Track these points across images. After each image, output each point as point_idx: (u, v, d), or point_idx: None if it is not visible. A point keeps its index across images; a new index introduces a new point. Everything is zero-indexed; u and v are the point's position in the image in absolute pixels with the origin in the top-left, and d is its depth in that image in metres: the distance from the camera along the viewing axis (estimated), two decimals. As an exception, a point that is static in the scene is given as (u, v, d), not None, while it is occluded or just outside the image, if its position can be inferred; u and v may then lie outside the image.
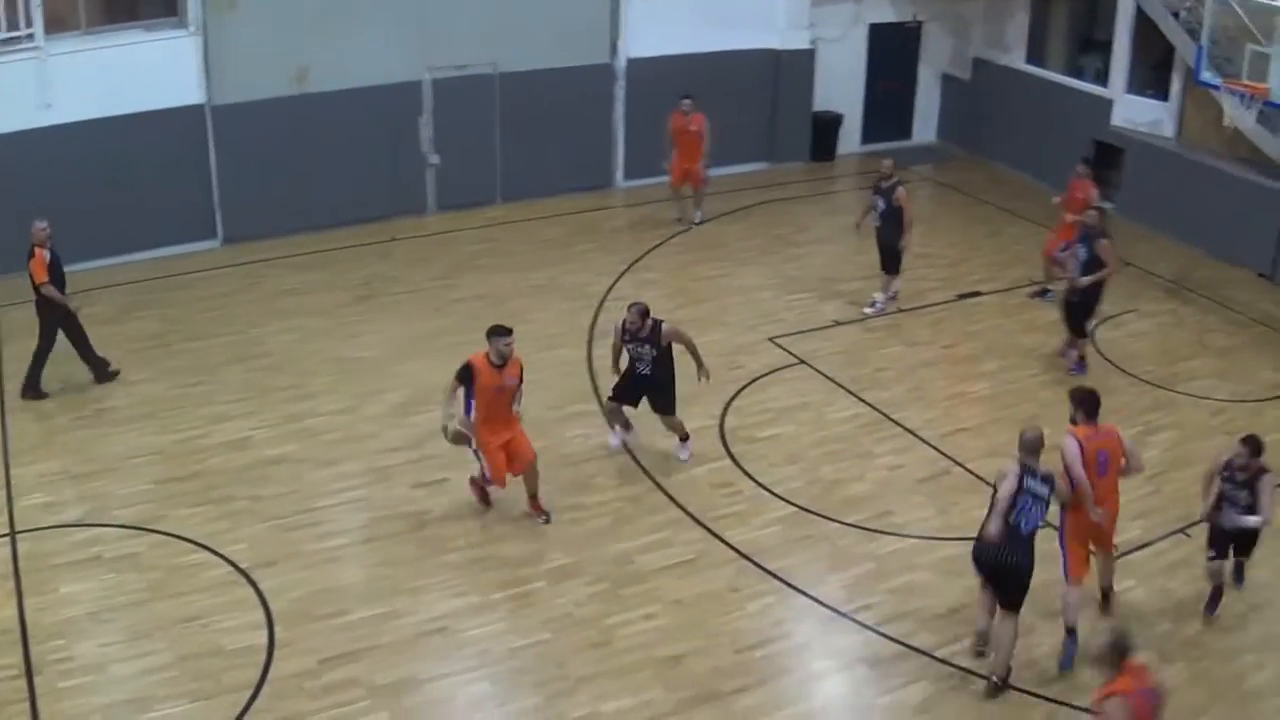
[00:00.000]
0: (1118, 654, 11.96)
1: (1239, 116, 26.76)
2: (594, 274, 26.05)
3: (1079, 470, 15.39)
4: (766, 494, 18.44)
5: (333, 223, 26.75)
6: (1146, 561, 17.65)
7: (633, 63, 30.46)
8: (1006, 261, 26.59)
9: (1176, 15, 28.46)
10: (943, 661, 15.51)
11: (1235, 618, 16.60)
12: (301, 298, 24.07)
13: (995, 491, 15.02)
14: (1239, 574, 16.92)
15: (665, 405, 18.90)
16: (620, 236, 28.27)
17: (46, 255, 20.00)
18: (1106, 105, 31.28)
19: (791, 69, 32.87)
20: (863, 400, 21.33)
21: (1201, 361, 23.35)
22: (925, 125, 36.53)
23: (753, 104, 32.53)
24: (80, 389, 20.49)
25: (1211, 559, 16.30)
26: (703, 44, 30.97)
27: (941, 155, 35.53)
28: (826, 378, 22.13)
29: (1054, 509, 15.30)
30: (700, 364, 18.66)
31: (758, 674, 15.14)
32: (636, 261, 26.87)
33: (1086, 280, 22.05)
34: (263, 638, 15.11)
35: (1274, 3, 25.27)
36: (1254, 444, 15.91)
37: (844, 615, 16.31)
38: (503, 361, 16.67)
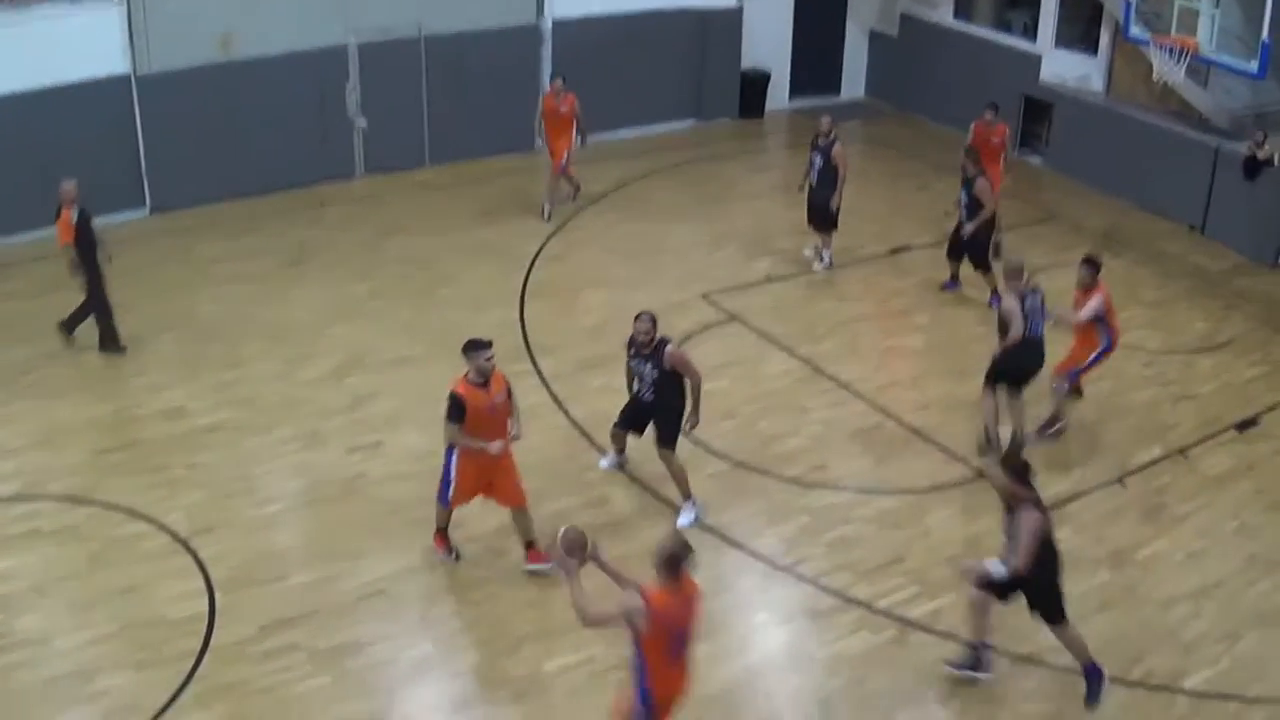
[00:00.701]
0: (674, 563, 11.82)
1: (1168, 71, 26.85)
2: (524, 235, 26.02)
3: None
4: (702, 450, 18.46)
5: (261, 189, 26.61)
6: (1082, 511, 17.82)
7: (559, 24, 30.29)
8: (937, 216, 26.66)
9: (1104, -31, 28.64)
10: (882, 613, 15.64)
11: (1174, 566, 16.82)
12: (232, 264, 23.92)
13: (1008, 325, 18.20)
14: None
15: (666, 436, 17.01)
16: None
17: (73, 215, 19.96)
18: (1035, 60, 31.43)
19: (719, 27, 32.82)
20: (796, 355, 21.41)
21: (1132, 313, 23.46)
22: (854, 82, 36.57)
23: (680, 62, 32.52)
24: (8, 364, 20.33)
25: None
26: (630, 3, 30.99)
27: (871, 111, 35.58)
28: (759, 333, 22.21)
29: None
30: (696, 407, 16.70)
31: (698, 629, 15.19)
32: (566, 222, 26.86)
33: (971, 227, 22.90)
34: (203, 605, 15.08)
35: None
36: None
37: (782, 569, 16.42)
38: (484, 379, 15.43)
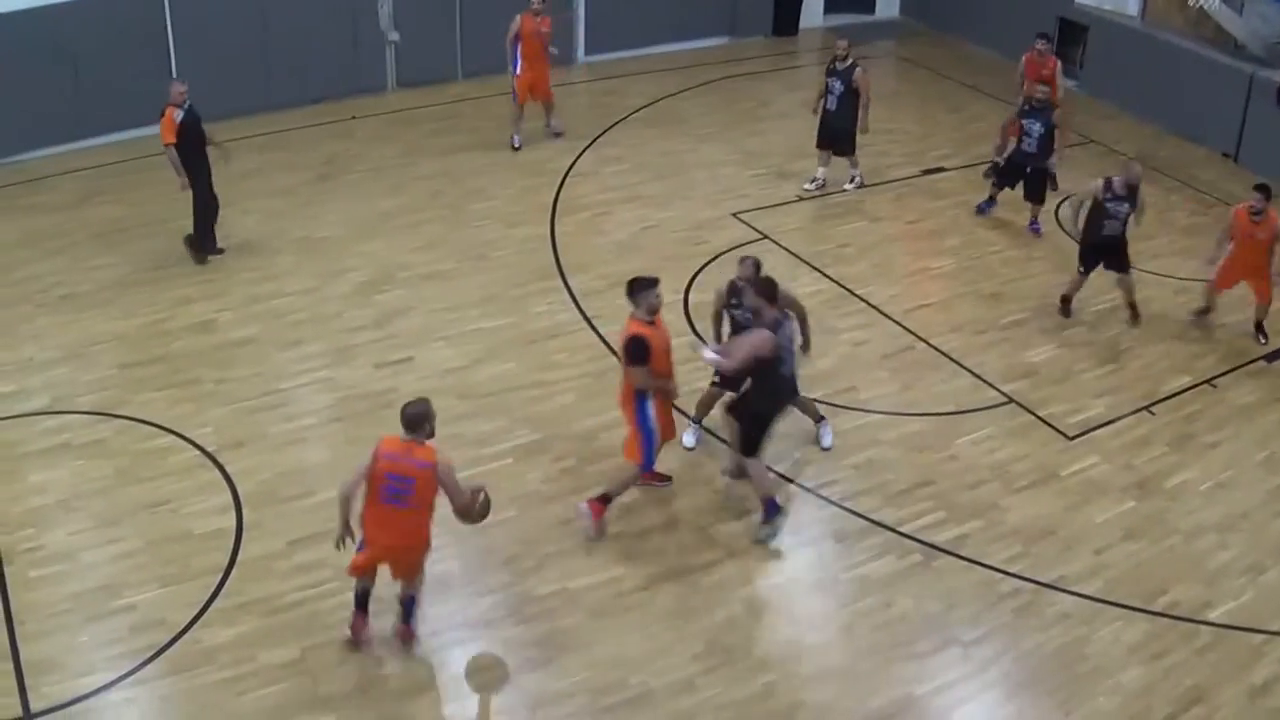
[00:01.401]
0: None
1: (1204, -4, 26.69)
2: (556, 150, 25.96)
3: None
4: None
5: (292, 102, 26.52)
6: (1110, 438, 17.80)
7: (594, -67, 30.17)
8: (969, 138, 26.57)
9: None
10: (907, 536, 15.67)
11: (1201, 496, 16.81)
12: (262, 178, 23.87)
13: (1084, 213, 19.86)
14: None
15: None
16: (582, 113, 28.09)
17: (178, 115, 20.00)
18: (1072, -18, 31.09)
19: (753, -59, 32.58)
20: (826, 275, 21.35)
21: (1165, 240, 23.41)
22: (889, 0, 36.30)
23: (715, -22, 32.27)
24: (37, 277, 20.35)
25: None
26: (665, -82, 30.70)
27: (905, 30, 35.35)
28: (790, 253, 22.14)
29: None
30: (806, 340, 16.57)
31: (724, 549, 15.25)
32: (598, 137, 26.77)
33: (1054, 161, 22.77)
34: (231, 520, 15.17)
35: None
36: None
37: (809, 491, 16.43)
38: (653, 317, 14.93)
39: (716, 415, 16.63)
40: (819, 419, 17.29)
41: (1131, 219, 20.06)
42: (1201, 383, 19.21)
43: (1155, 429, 18.07)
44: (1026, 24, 29.60)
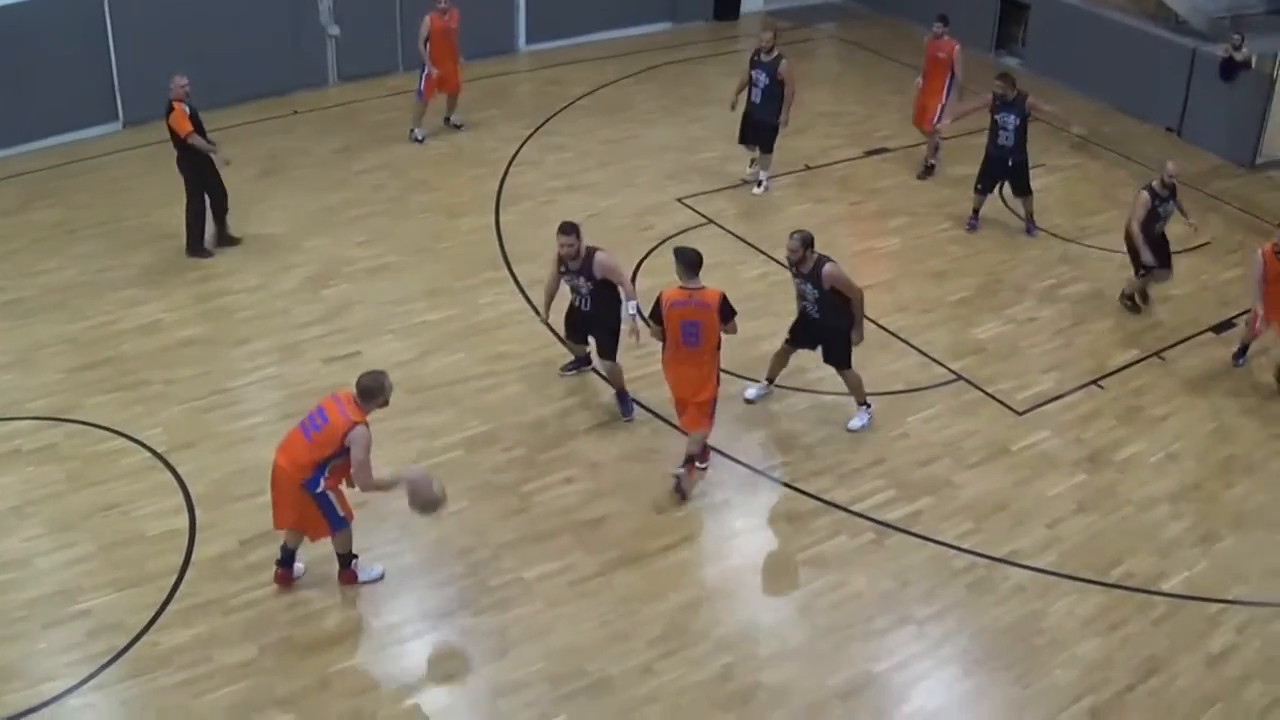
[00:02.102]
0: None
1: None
2: (499, 140, 25.92)
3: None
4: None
5: (234, 98, 26.39)
6: (1059, 413, 17.92)
7: (532, -77, 30.12)
8: (912, 118, 26.61)
9: None
10: (860, 515, 15.74)
11: (1152, 468, 16.95)
12: (206, 176, 23.76)
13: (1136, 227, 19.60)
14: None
15: (838, 357, 17.20)
16: (525, 101, 28.10)
17: (185, 108, 20.02)
18: (1012, -40, 31.19)
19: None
20: (773, 259, 21.35)
21: (1110, 215, 23.51)
22: (830, -18, 36.35)
23: (655, -37, 32.28)
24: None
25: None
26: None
27: (847, 13, 35.39)
28: (736, 237, 22.18)
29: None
30: (857, 324, 16.87)
31: (678, 533, 15.28)
32: (542, 125, 26.75)
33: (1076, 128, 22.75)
34: (184, 521, 15.08)
35: None
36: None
37: (761, 473, 16.51)
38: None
39: (667, 397, 16.61)
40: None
41: (1180, 216, 20.32)
42: (1149, 355, 19.35)
43: (1104, 402, 18.19)
44: (968, 4, 29.79)
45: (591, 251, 16.20)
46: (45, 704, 12.62)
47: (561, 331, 17.71)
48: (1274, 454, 17.18)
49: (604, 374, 17.42)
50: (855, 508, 15.88)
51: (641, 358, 17.18)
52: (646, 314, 15.58)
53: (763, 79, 23.16)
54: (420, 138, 25.86)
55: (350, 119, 26.73)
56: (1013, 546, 15.29)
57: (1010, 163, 22.57)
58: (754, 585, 14.88)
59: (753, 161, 24.37)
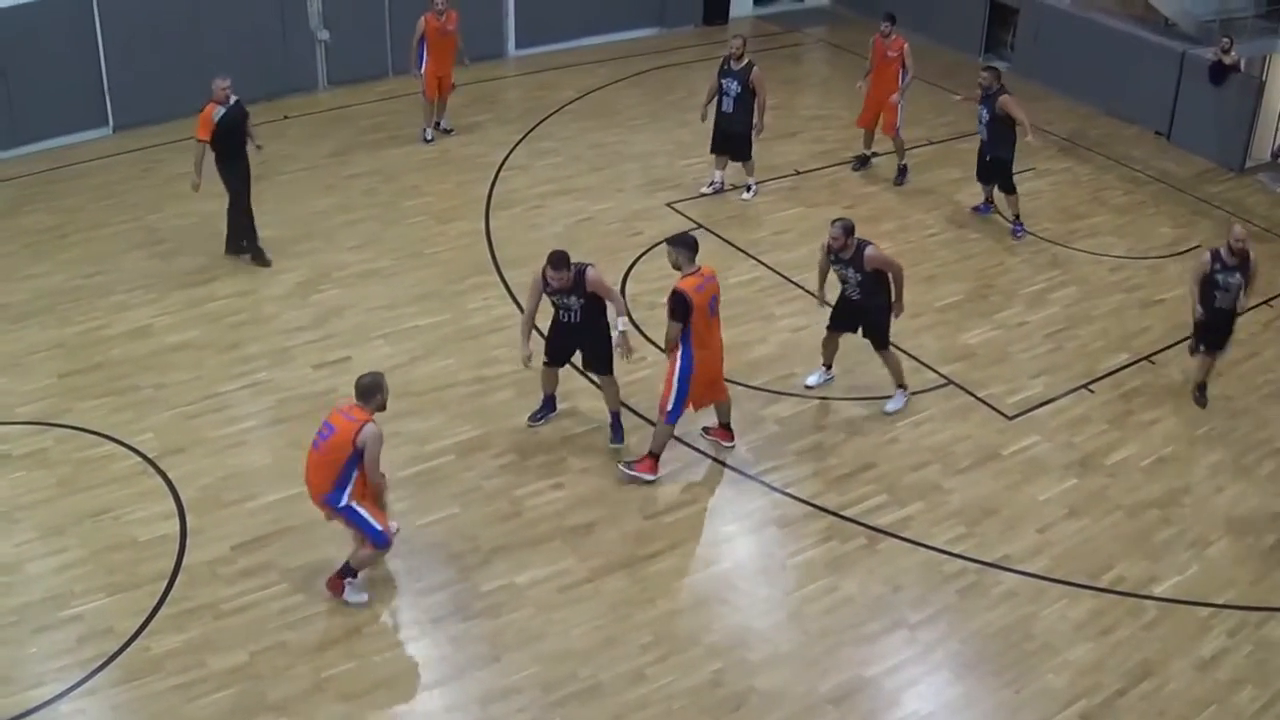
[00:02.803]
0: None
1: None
2: (489, 145, 25.91)
3: None
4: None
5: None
6: (1050, 417, 17.94)
7: (521, -73, 30.13)
8: (860, 118, 26.51)
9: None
10: (851, 520, 15.75)
11: (1142, 472, 16.99)
12: (197, 181, 23.75)
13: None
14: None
15: (878, 337, 17.60)
16: (514, 106, 28.10)
17: (217, 113, 19.98)
18: (1001, -37, 31.23)
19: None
20: (762, 263, 21.40)
21: (1099, 219, 23.64)
22: (819, -14, 36.40)
23: (644, -32, 32.31)
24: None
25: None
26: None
27: (835, 17, 35.44)
28: (725, 241, 22.19)
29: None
30: (899, 296, 17.34)
31: (668, 539, 15.29)
32: (531, 130, 26.74)
33: (1030, 139, 22.55)
34: (174, 527, 15.05)
35: None
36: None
37: (751, 478, 16.51)
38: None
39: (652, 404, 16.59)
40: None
41: (1243, 292, 18.11)
42: (1139, 359, 19.37)
43: (1094, 407, 18.22)
44: (956, 7, 29.87)
45: (581, 270, 15.94)
46: (36, 709, 12.60)
47: (541, 359, 17.08)
48: (1264, 458, 17.22)
49: (601, 389, 17.20)
50: (846, 513, 15.89)
51: (632, 364, 17.12)
52: (673, 313, 15.47)
53: (734, 87, 23.01)
54: (430, 138, 25.94)
55: (340, 124, 26.72)
56: (1004, 551, 15.31)
57: (987, 157, 22.78)
58: (745, 590, 14.83)
59: (717, 174, 24.25)
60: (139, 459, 16.19)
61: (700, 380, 15.84)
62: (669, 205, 23.43)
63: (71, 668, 13.06)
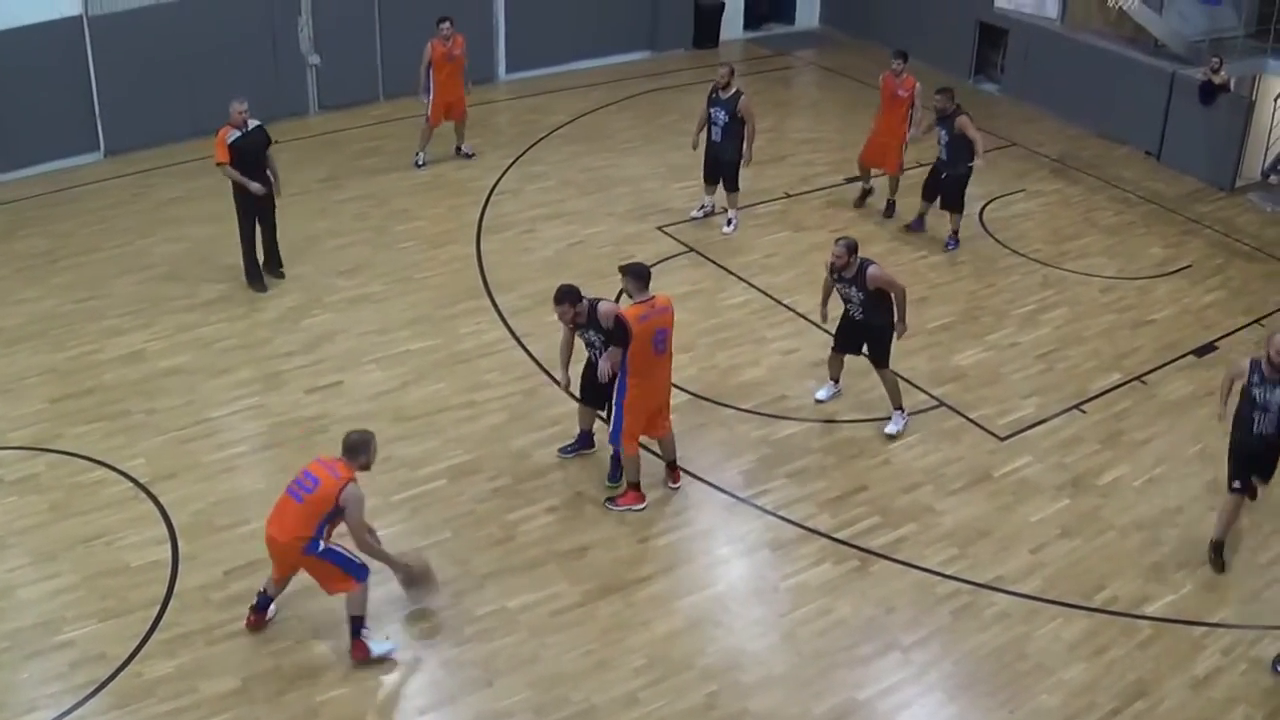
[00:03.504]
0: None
1: (1124, -2, 26.97)
2: (481, 169, 25.93)
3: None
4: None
5: (215, 129, 26.31)
6: (1041, 438, 17.94)
7: (512, -48, 30.19)
8: (863, 154, 26.51)
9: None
10: (844, 542, 15.74)
11: (1134, 492, 17.00)
12: (188, 205, 23.67)
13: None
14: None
15: (879, 355, 17.71)
16: (504, 130, 28.11)
17: (231, 135, 20.01)
18: (990, -13, 31.34)
19: (672, -44, 32.69)
20: (753, 286, 21.43)
21: (1090, 240, 23.68)
22: (808, 10, 36.58)
23: (635, -7, 32.43)
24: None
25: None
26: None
27: (826, 40, 35.52)
28: (716, 264, 22.21)
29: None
30: (902, 317, 17.34)
31: (661, 562, 15.27)
32: (522, 155, 26.77)
33: (979, 163, 22.44)
34: (166, 552, 15.02)
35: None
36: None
37: (743, 501, 16.50)
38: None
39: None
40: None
41: None
42: (1131, 379, 19.39)
43: (1086, 427, 18.23)
44: (947, 30, 29.96)
45: (594, 305, 15.78)
46: (28, 735, 12.61)
47: (577, 393, 17.05)
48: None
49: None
50: (839, 535, 15.87)
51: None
52: (611, 337, 15.41)
53: (721, 116, 22.86)
54: (421, 163, 25.92)
55: (332, 148, 26.73)
56: (997, 572, 15.31)
57: (943, 175, 22.83)
58: (738, 613, 14.80)
59: (706, 199, 24.18)
60: (131, 484, 16.17)
61: (637, 409, 15.79)
62: (660, 229, 23.45)
63: (64, 693, 13.03)
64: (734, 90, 22.77)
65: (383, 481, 16.06)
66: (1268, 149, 27.12)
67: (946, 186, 22.96)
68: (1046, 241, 23.63)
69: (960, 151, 22.39)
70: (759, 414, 18.09)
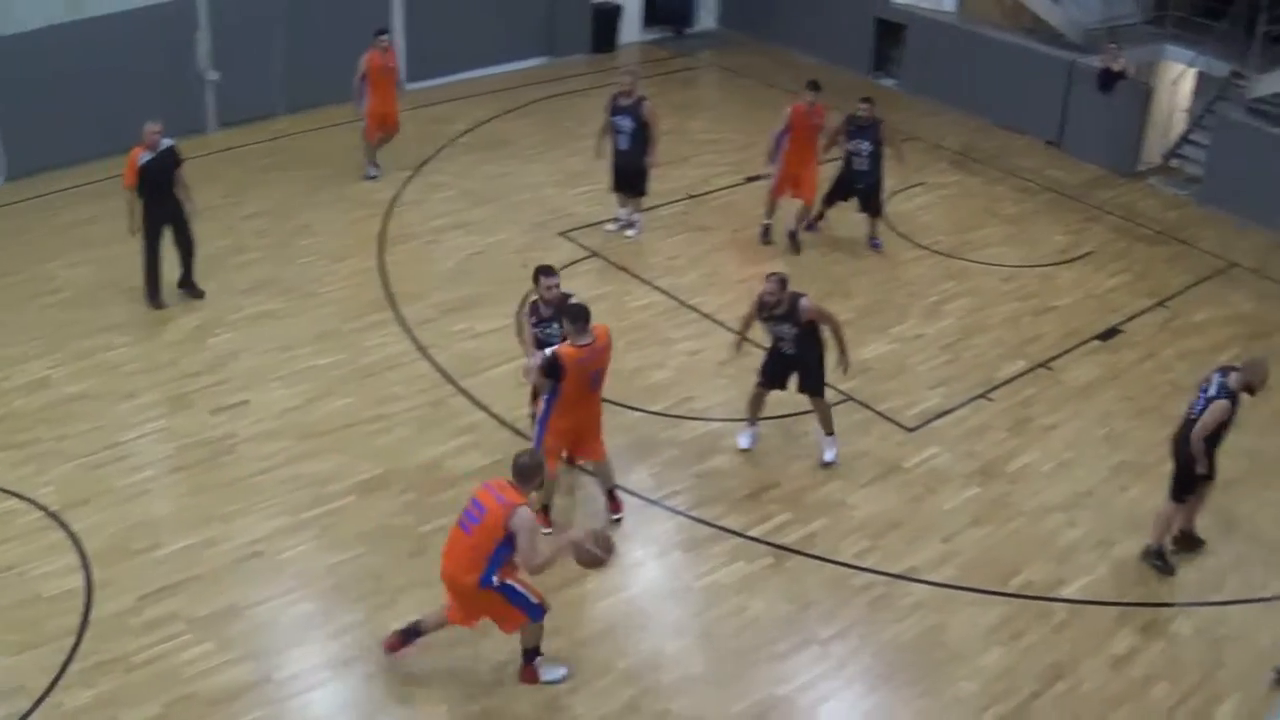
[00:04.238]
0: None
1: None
2: (382, 181, 25.83)
3: None
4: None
5: (117, 148, 26.00)
6: (949, 427, 18.09)
7: (407, -36, 30.12)
8: (776, 188, 26.60)
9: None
10: (756, 540, 15.84)
11: (1044, 477, 17.23)
12: (91, 228, 23.32)
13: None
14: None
15: (813, 385, 17.32)
16: (406, 141, 27.90)
17: (142, 157, 19.83)
18: (888, -16, 31.54)
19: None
20: (657, 288, 21.48)
21: (991, 230, 23.89)
22: (707, 12, 36.61)
23: (529, -1, 32.46)
24: None
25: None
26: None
27: (725, 42, 35.63)
28: (620, 268, 22.26)
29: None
30: (844, 351, 17.02)
31: (575, 568, 14.98)
32: (423, 165, 26.71)
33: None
34: (80, 580, 14.87)
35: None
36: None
37: (654, 503, 16.57)
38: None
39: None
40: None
41: None
42: (1036, 366, 19.57)
43: (994, 415, 18.40)
44: (844, 27, 30.10)
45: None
46: (-51, 774, 12.51)
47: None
48: (1165, 457, 17.15)
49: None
50: (751, 532, 15.97)
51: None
52: (543, 370, 15.21)
53: (628, 124, 22.71)
54: (374, 175, 25.89)
55: (233, 164, 26.52)
56: (910, 562, 15.43)
57: (863, 185, 22.82)
58: (655, 615, 14.88)
59: (621, 211, 24.08)
60: (41, 513, 15.98)
61: (562, 432, 15.61)
62: (562, 234, 23.48)
63: (-17, 729, 12.93)
64: (637, 96, 22.67)
65: (292, 499, 16.03)
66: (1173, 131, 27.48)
67: (867, 194, 22.97)
68: (948, 233, 23.82)
69: (881, 160, 22.52)
70: (667, 415, 18.15)
